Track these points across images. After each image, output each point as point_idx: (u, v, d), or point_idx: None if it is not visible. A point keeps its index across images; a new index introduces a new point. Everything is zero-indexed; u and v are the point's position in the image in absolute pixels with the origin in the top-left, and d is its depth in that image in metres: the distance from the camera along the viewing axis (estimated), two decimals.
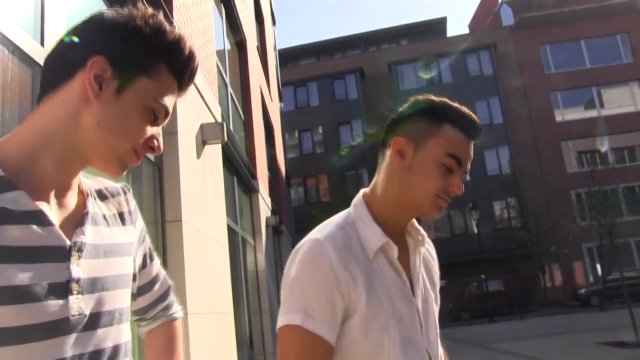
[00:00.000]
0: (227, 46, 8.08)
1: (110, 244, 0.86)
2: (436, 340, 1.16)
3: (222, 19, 7.62)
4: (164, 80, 0.82)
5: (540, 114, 28.57)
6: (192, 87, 3.50)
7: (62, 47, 0.81)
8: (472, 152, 1.10)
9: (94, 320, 0.79)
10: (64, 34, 0.81)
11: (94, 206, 0.87)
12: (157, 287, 1.08)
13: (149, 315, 1.09)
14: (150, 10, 0.82)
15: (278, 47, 22.10)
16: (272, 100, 14.85)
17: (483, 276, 23.46)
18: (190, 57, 0.85)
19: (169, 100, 0.84)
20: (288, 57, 34.00)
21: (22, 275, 0.71)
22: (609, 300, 20.39)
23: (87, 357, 0.77)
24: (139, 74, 0.80)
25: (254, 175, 8.56)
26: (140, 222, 1.00)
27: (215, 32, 6.33)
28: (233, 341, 5.11)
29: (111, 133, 0.79)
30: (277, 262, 11.92)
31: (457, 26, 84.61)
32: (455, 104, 1.10)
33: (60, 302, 0.74)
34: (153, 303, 1.08)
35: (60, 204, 0.81)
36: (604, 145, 27.17)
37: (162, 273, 1.11)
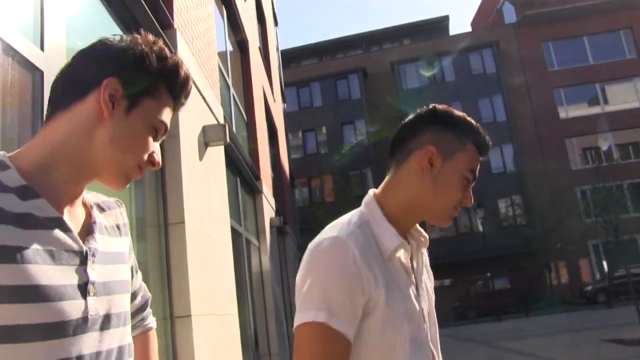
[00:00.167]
0: (229, 47, 8.09)
1: (113, 252, 0.93)
2: (437, 339, 1.18)
3: (223, 21, 7.62)
4: (164, 100, 0.91)
5: (544, 111, 28.48)
6: (193, 89, 3.49)
7: (74, 68, 0.88)
8: None
9: (106, 321, 0.86)
10: (76, 55, 0.88)
11: (98, 217, 0.94)
12: (139, 298, 1.15)
13: None
14: (152, 37, 0.90)
15: (280, 48, 22.12)
16: (274, 101, 14.86)
17: (489, 274, 23.40)
18: (186, 80, 0.94)
19: (167, 118, 0.93)
20: (290, 57, 34.02)
21: (49, 276, 0.77)
22: (616, 297, 20.29)
23: (103, 356, 0.84)
24: (145, 94, 0.88)
25: (257, 176, 8.56)
26: (129, 236, 1.07)
27: (217, 33, 6.34)
28: (238, 342, 5.11)
29: (121, 148, 0.87)
30: (282, 262, 11.93)
31: (460, 25, 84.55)
32: (473, 121, 1.19)
33: (82, 302, 0.81)
34: (134, 313, 1.13)
35: (71, 213, 0.87)
36: (604, 145, 27.05)
37: (143, 285, 1.19)
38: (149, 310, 1.20)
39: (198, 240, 3.99)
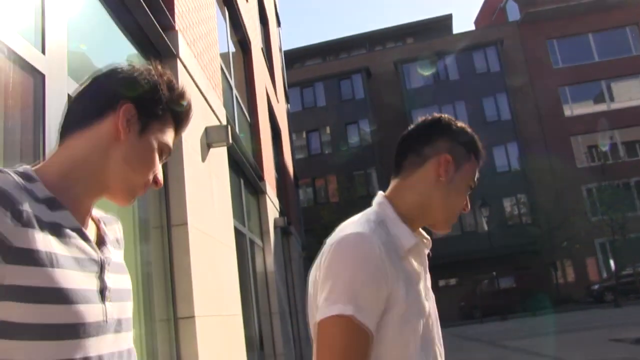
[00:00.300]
0: (232, 48, 8.10)
1: (119, 263, 1.01)
2: (441, 337, 1.22)
3: (225, 22, 7.64)
4: (169, 125, 1.01)
5: (549, 109, 28.37)
6: (195, 91, 3.49)
7: (93, 91, 0.97)
8: None
9: (119, 325, 0.93)
10: (93, 79, 0.97)
11: (105, 230, 1.02)
12: None
13: None
14: (161, 67, 1.01)
15: (283, 49, 22.13)
16: (278, 102, 14.87)
17: (494, 273, 23.32)
18: (189, 109, 1.06)
19: (171, 141, 1.03)
20: (294, 58, 34.05)
21: (77, 281, 0.85)
22: (624, 296, 20.18)
23: (116, 356, 0.91)
24: (154, 119, 0.98)
25: (261, 177, 8.57)
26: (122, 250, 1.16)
27: (219, 34, 6.35)
28: (242, 343, 5.11)
29: (133, 168, 0.96)
30: (287, 263, 11.93)
31: (463, 23, 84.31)
32: (474, 134, 1.29)
33: (101, 306, 0.89)
34: None
35: (86, 226, 0.96)
36: (605, 145, 26.90)
37: None
38: None
39: (201, 242, 4.00)
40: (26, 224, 0.81)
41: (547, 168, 25.78)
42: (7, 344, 0.78)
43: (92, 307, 0.86)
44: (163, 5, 3.69)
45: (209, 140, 4.69)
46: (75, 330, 0.83)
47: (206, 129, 4.68)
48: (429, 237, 1.26)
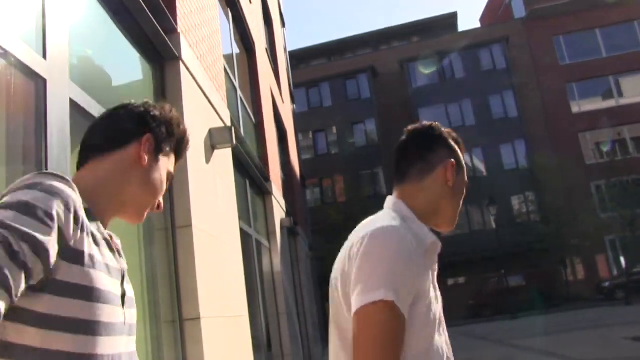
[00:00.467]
0: (236, 50, 8.12)
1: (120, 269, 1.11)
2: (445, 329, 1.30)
3: (229, 23, 7.65)
4: (172, 155, 1.20)
5: (556, 106, 28.17)
6: (198, 93, 3.49)
7: (115, 121, 1.13)
8: None
9: (130, 329, 1.04)
10: (113, 112, 1.15)
11: (117, 243, 1.13)
12: None
13: None
14: (170, 106, 1.20)
15: (289, 49, 22.14)
16: (283, 102, 14.88)
17: (503, 271, 23.19)
18: (188, 142, 1.25)
19: (173, 169, 1.21)
20: (299, 58, 34.07)
21: (108, 285, 0.96)
22: (635, 293, 19.98)
23: (128, 356, 1.01)
24: (165, 149, 1.16)
25: (266, 178, 8.58)
26: None
27: (223, 36, 6.36)
28: (249, 344, 5.12)
29: (149, 190, 1.12)
30: (294, 263, 11.94)
31: (468, 21, 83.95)
32: None
33: (122, 310, 1.01)
34: None
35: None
36: (606, 145, 26.66)
37: None
38: None
39: (206, 243, 4.01)
40: (81, 228, 0.93)
41: (555, 165, 25.57)
42: (48, 335, 0.86)
43: (118, 310, 0.98)
44: (165, 8, 3.70)
45: (213, 142, 4.70)
46: (105, 328, 0.93)
47: (210, 131, 4.69)
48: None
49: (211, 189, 4.48)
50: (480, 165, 28.13)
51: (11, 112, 2.02)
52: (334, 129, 30.87)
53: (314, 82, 31.28)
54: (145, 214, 1.15)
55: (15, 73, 2.00)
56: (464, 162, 1.37)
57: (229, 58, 7.20)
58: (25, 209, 0.85)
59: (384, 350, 1.03)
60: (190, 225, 3.68)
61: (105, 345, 0.93)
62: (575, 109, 28.25)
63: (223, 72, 5.84)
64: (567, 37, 29.02)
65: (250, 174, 7.55)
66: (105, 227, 1.06)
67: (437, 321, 1.18)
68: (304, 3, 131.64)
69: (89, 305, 0.90)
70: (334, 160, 30.15)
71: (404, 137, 1.37)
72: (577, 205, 24.56)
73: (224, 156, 5.21)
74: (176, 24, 3.94)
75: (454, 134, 1.38)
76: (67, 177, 0.97)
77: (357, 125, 30.44)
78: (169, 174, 1.18)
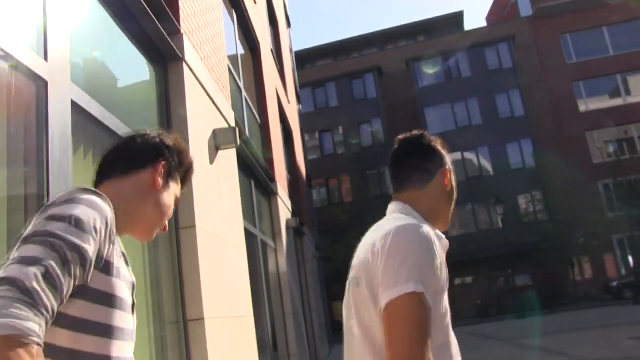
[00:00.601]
0: (240, 50, 8.12)
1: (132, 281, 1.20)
2: None
3: (233, 24, 7.66)
4: (179, 182, 1.32)
5: (563, 105, 27.99)
6: (202, 93, 3.48)
7: (131, 147, 1.26)
8: None
9: (134, 335, 1.13)
10: (130, 139, 1.29)
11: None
12: None
13: None
14: (179, 137, 1.35)
15: (294, 49, 22.15)
16: (289, 103, 14.88)
17: (510, 271, 23.07)
18: (193, 171, 1.39)
19: (180, 194, 1.33)
20: (305, 58, 34.06)
21: (126, 294, 1.08)
22: None
23: None
24: (175, 176, 1.29)
25: (272, 178, 8.58)
26: None
27: (227, 37, 6.36)
28: (254, 344, 5.12)
29: (161, 211, 1.24)
30: (300, 263, 11.93)
31: (474, 20, 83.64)
32: None
33: (133, 317, 1.12)
34: None
35: None
36: (610, 146, 26.45)
37: None
38: None
39: (210, 243, 4.01)
40: (112, 241, 1.05)
41: (562, 164, 25.42)
42: (78, 337, 0.96)
43: (130, 317, 1.09)
44: (168, 9, 3.71)
45: (217, 143, 4.70)
46: (122, 333, 1.05)
47: (214, 132, 4.69)
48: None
49: (215, 190, 4.49)
50: (487, 165, 28.01)
51: (12, 114, 2.02)
52: (340, 129, 30.85)
53: (320, 82, 31.27)
54: (155, 233, 1.26)
55: (16, 75, 2.01)
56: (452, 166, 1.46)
57: (233, 59, 7.21)
58: (75, 222, 0.96)
59: (418, 343, 1.05)
60: (193, 226, 3.69)
61: (120, 348, 1.03)
62: (582, 107, 28.07)
63: (227, 73, 5.84)
64: (574, 36, 28.83)
65: (255, 175, 7.55)
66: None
67: (449, 315, 1.23)
68: (309, 3, 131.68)
69: (112, 312, 1.02)
70: (341, 160, 30.13)
71: (396, 147, 1.45)
72: (585, 204, 24.39)
73: (229, 157, 5.21)
74: (179, 24, 3.94)
75: (440, 140, 1.46)
76: (103, 194, 1.08)
77: (363, 125, 30.40)
78: (176, 198, 1.30)
